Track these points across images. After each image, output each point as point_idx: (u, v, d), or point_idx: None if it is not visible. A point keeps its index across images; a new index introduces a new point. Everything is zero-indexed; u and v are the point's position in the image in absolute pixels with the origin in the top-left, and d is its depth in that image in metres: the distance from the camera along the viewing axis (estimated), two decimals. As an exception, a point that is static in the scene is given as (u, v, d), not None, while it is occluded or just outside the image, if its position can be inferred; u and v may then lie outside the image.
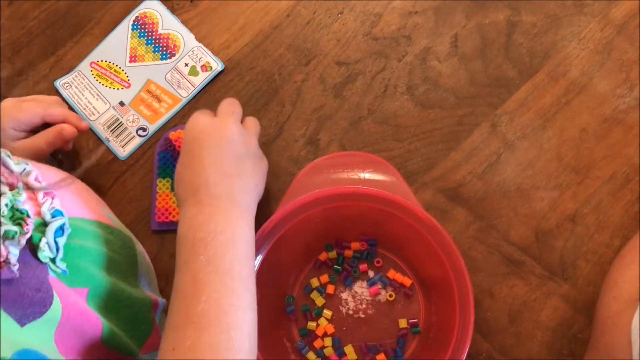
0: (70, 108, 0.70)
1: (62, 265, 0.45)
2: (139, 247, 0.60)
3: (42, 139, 0.62)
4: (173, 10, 0.73)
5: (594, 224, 0.63)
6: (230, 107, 0.59)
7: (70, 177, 0.57)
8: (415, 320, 0.61)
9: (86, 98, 0.71)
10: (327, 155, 0.65)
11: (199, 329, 0.46)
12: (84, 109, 0.70)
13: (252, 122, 0.62)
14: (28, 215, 0.43)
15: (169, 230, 0.66)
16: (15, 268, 0.41)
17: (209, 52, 0.71)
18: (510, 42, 0.69)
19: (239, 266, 0.51)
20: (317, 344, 0.61)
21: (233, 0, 0.73)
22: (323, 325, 0.61)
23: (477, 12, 0.70)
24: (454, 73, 0.68)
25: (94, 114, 0.70)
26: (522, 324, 0.61)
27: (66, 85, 0.71)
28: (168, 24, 0.72)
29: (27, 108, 0.63)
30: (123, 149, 0.69)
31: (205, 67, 0.71)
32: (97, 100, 0.71)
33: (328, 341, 0.61)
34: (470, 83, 0.68)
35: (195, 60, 0.71)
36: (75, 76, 0.72)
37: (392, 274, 0.62)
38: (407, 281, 0.62)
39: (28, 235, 0.42)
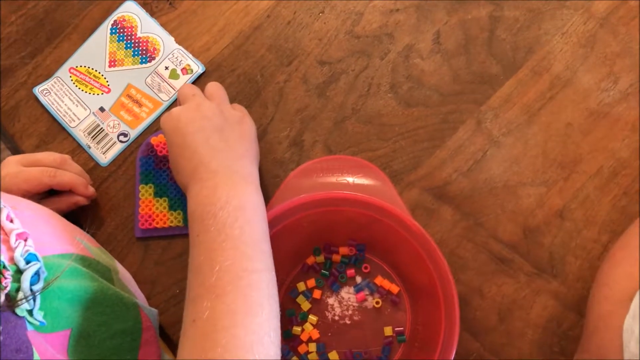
0: (51, 116, 0.69)
1: (40, 316, 0.42)
2: (118, 272, 0.58)
3: (52, 208, 0.61)
4: (152, 13, 0.72)
5: (582, 220, 0.63)
6: (188, 90, 0.61)
7: (43, 209, 0.54)
8: (402, 328, 0.61)
9: (66, 104, 0.70)
10: (316, 159, 0.64)
11: (216, 297, 0.47)
12: (64, 115, 0.69)
13: (215, 90, 0.62)
14: (5, 267, 0.40)
15: (153, 237, 0.65)
16: None
17: (189, 55, 0.70)
18: (493, 37, 0.68)
19: (250, 230, 0.51)
20: (302, 349, 0.60)
21: (212, 1, 0.72)
22: (308, 330, 0.61)
23: (459, 9, 0.69)
24: (437, 70, 0.68)
25: (74, 121, 0.69)
26: (512, 323, 0.61)
27: (45, 92, 0.70)
28: (147, 27, 0.71)
29: (33, 177, 0.61)
30: (104, 156, 0.68)
31: (185, 70, 0.70)
32: (76, 107, 0.70)
33: (312, 347, 0.60)
34: (453, 80, 0.67)
35: (175, 63, 0.70)
36: (54, 82, 0.71)
37: (379, 280, 0.61)
38: (395, 288, 0.61)
39: (7, 290, 0.40)
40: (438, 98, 0.67)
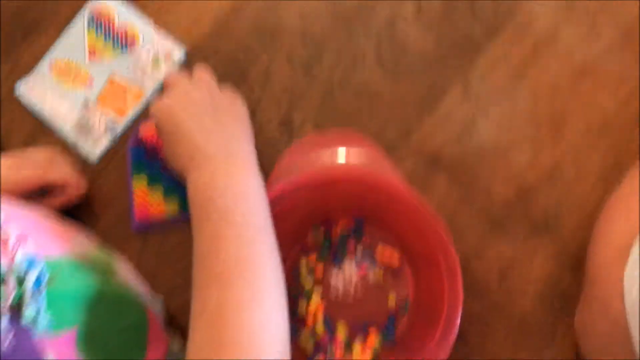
0: (36, 113, 0.68)
1: (46, 319, 0.42)
2: (119, 268, 0.58)
3: (45, 206, 0.61)
4: (128, 0, 0.71)
5: (574, 176, 0.63)
6: (175, 78, 0.60)
7: (37, 211, 0.53)
8: (405, 297, 0.61)
9: (49, 101, 0.69)
10: (307, 136, 0.64)
11: (222, 286, 0.47)
12: (49, 112, 0.68)
13: (203, 75, 0.62)
14: (4, 278, 0.40)
15: (151, 228, 0.65)
16: (6, 344, 0.38)
17: (170, 40, 0.69)
18: (475, 1, 0.68)
19: (252, 216, 0.51)
20: (309, 325, 0.61)
21: (189, -16, 0.71)
22: (313, 306, 0.61)
23: (439, -26, 0.69)
24: (421, 38, 0.67)
25: (59, 117, 0.68)
26: (512, 283, 0.62)
27: (27, 89, 0.69)
28: (124, 15, 0.70)
29: (25, 177, 0.60)
30: (94, 150, 0.67)
31: (167, 56, 0.69)
32: (60, 102, 0.69)
33: (319, 322, 0.61)
34: (438, 46, 0.67)
35: (156, 50, 0.69)
36: (35, 78, 0.69)
37: (380, 252, 0.62)
38: (396, 258, 0.62)
39: (10, 301, 0.39)
40: (424, 65, 0.67)
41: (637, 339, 0.46)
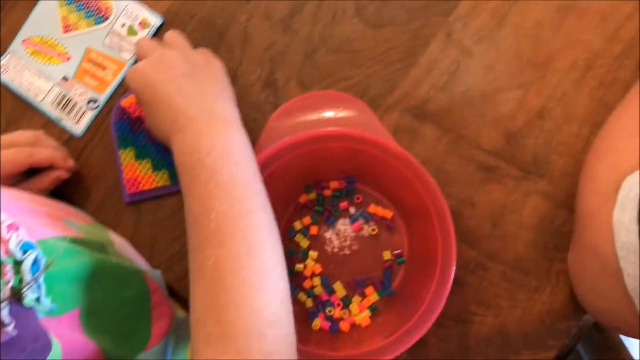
0: (14, 93, 0.67)
1: (48, 301, 0.43)
2: (114, 243, 0.58)
3: (35, 187, 0.60)
4: (97, -32, 0.69)
5: (562, 117, 0.63)
6: (146, 43, 0.60)
7: (24, 194, 0.54)
8: (399, 250, 0.62)
9: (27, 79, 0.67)
10: (293, 98, 0.63)
11: (217, 244, 0.47)
12: (28, 90, 0.67)
13: (174, 38, 0.61)
14: (3, 262, 0.40)
15: (143, 199, 0.65)
16: (11, 327, 0.38)
17: (144, 7, 0.68)
18: (453, -57, 0.66)
19: (240, 172, 0.51)
20: (306, 284, 0.62)
21: (158, -53, 0.69)
22: (310, 265, 0.62)
23: None
24: (401, -14, 0.66)
25: (39, 95, 0.67)
26: (505, 227, 0.63)
27: (2, 68, 0.68)
28: (95, -16, 0.68)
29: (10, 160, 0.59)
30: (77, 125, 0.67)
31: (143, 24, 0.67)
32: (39, 79, 0.67)
33: (317, 280, 0.62)
34: (418, -6, 0.66)
35: (131, 18, 0.68)
36: (10, 58, 0.68)
37: (372, 208, 0.62)
38: (388, 214, 0.62)
39: (10, 284, 0.40)
40: (405, 15, 0.66)
41: (630, 282, 0.47)
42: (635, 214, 0.46)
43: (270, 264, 0.49)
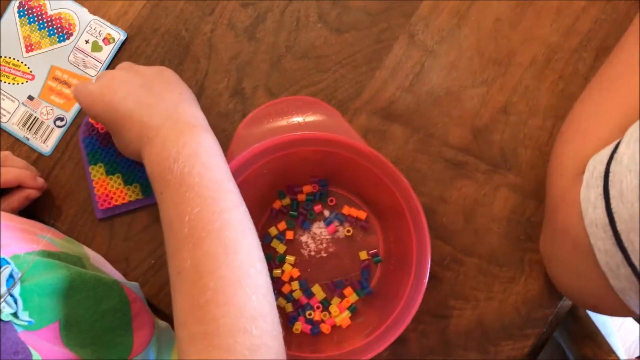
0: (-23, 114, 0.66)
1: (25, 316, 0.43)
2: (89, 257, 0.58)
3: (6, 207, 0.60)
4: (57, -14, 0.68)
5: (525, 110, 0.65)
6: (84, 82, 0.62)
7: None
8: (375, 250, 0.63)
9: (-9, 100, 0.67)
10: (261, 105, 0.64)
11: (193, 246, 0.48)
12: (-8, 111, 0.66)
13: (121, 64, 0.62)
14: None
15: (116, 214, 0.65)
16: None
17: (107, 23, 0.68)
18: (410, -54, 0.67)
19: (209, 173, 0.51)
20: (285, 289, 0.62)
21: (118, -38, 0.69)
22: (288, 270, 0.62)
23: None
24: (362, -10, 0.67)
25: (4, 115, 0.66)
26: (477, 221, 0.64)
27: (-34, 91, 0.67)
28: (56, 3, 0.68)
29: None
30: (45, 144, 0.66)
31: (107, 40, 0.67)
32: (3, 100, 0.67)
33: (295, 285, 0.62)
34: (379, -2, 0.67)
35: (95, 35, 0.67)
36: (-27, 80, 0.67)
37: (346, 209, 0.63)
38: (362, 214, 0.63)
39: None
40: (368, 19, 0.67)
41: (602, 257, 0.48)
42: (600, 190, 0.48)
43: (248, 261, 0.49)
